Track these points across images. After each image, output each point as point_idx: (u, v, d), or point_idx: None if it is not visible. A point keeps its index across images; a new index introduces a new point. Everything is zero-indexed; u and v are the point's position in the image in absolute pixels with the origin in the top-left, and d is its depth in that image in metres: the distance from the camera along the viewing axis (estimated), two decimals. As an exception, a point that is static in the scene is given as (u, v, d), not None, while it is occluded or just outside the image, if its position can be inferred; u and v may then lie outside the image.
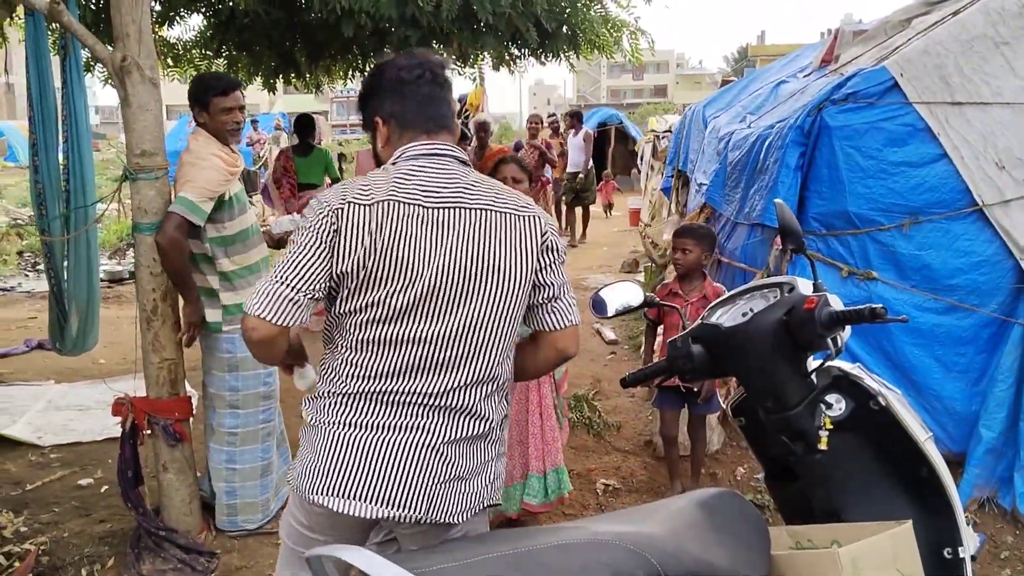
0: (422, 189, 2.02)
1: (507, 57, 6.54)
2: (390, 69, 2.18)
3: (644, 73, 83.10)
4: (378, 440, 1.99)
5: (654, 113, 31.69)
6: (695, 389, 4.12)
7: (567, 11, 5.69)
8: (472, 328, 2.02)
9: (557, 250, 2.14)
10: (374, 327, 1.99)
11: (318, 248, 1.95)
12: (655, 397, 4.47)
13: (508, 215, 2.06)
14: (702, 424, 4.36)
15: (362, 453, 1.99)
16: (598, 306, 2.65)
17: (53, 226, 4.49)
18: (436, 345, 2.00)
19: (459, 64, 7.06)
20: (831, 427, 2.26)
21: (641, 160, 15.17)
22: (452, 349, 2.02)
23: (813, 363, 2.34)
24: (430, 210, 2.00)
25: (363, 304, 1.98)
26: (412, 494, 1.98)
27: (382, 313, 1.98)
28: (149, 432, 3.71)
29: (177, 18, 6.19)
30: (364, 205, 1.96)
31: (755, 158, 4.96)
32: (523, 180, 3.79)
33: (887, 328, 4.19)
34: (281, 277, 1.94)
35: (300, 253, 1.96)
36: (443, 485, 2.00)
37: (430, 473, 1.99)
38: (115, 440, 3.83)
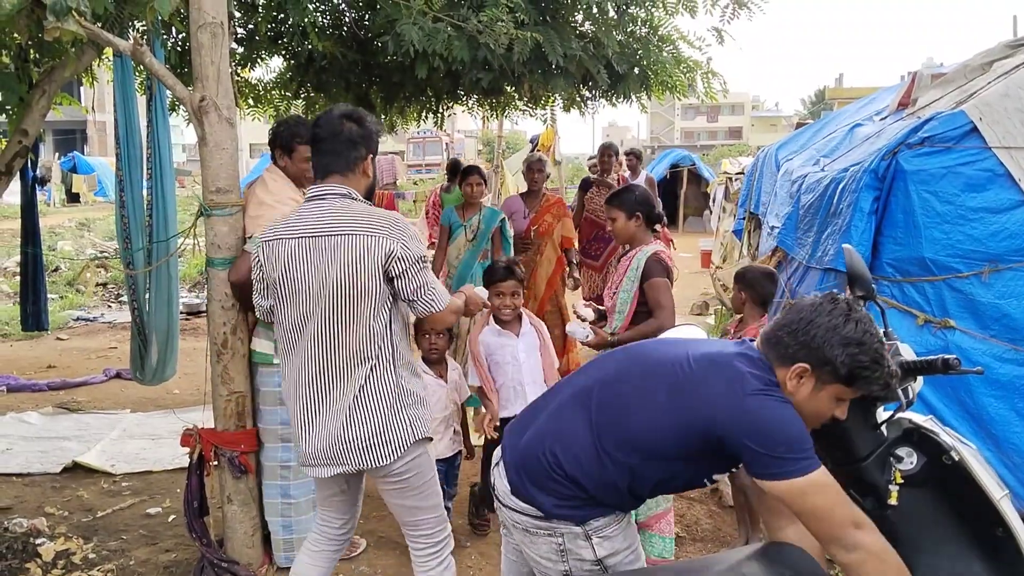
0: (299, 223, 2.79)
1: (578, 99, 6.58)
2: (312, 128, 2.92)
3: (719, 115, 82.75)
4: None
5: (728, 155, 31.52)
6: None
7: (639, 52, 5.70)
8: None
9: (405, 259, 2.71)
10: None
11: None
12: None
13: (358, 236, 2.70)
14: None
15: None
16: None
17: (136, 258, 4.66)
18: None
19: (530, 106, 7.14)
20: (902, 481, 2.20)
21: (713, 202, 15.05)
22: None
23: (883, 414, 2.27)
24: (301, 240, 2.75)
25: None
26: None
27: None
28: (216, 463, 3.77)
29: (259, 60, 6.38)
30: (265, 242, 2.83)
31: (828, 202, 4.87)
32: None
33: (965, 380, 4.04)
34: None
35: None
36: None
37: None
38: (184, 470, 3.90)
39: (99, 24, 3.60)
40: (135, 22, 4.40)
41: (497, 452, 2.42)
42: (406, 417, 2.83)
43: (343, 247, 2.70)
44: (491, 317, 4.21)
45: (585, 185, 7.94)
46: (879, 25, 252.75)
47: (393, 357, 2.82)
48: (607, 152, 8.05)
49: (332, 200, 2.79)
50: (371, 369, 2.77)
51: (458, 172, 9.64)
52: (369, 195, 2.96)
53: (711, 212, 15.98)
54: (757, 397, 2.04)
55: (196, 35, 3.49)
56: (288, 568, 3.95)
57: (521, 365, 4.16)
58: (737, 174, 11.88)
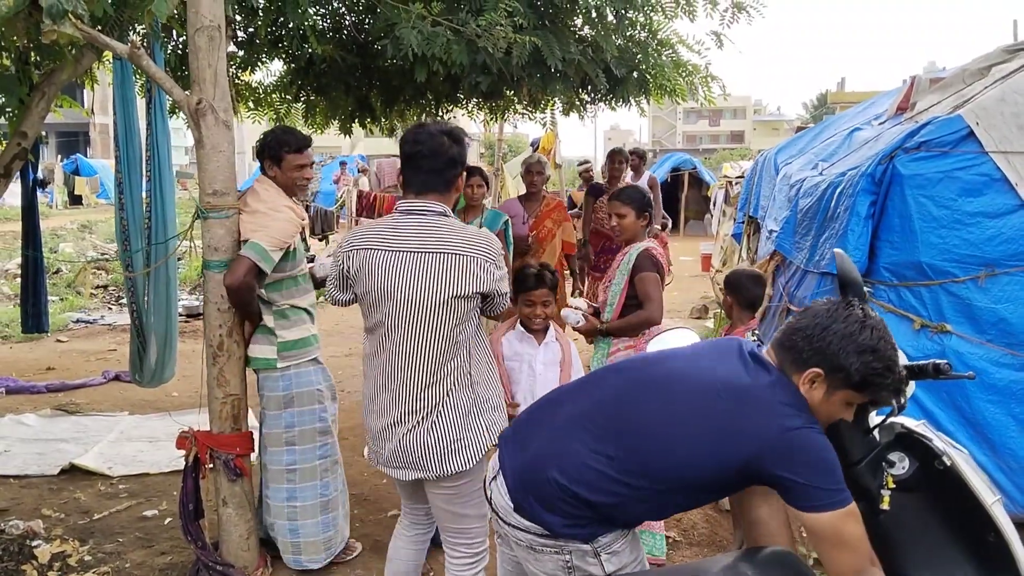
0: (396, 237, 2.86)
1: (577, 102, 6.58)
2: (402, 143, 2.97)
3: (721, 119, 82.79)
4: None
5: (730, 159, 31.51)
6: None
7: (638, 57, 5.71)
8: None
9: (498, 279, 2.85)
10: None
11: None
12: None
13: (456, 256, 2.79)
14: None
15: None
16: (650, 355, 2.62)
17: (135, 260, 4.66)
18: None
19: (529, 109, 7.13)
20: (894, 486, 2.20)
21: (714, 205, 15.05)
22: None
23: (876, 419, 2.27)
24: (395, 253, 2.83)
25: None
26: None
27: None
28: (211, 466, 3.78)
29: (259, 63, 6.39)
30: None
31: (826, 206, 4.87)
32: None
33: (961, 384, 4.04)
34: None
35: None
36: None
37: None
38: (181, 473, 3.90)
39: (99, 27, 3.62)
40: (136, 25, 4.41)
41: (493, 463, 2.39)
42: (483, 423, 2.90)
43: (443, 266, 2.79)
44: (518, 321, 4.01)
45: (595, 191, 7.42)
46: (881, 29, 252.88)
47: (471, 366, 2.91)
48: (617, 158, 7.38)
49: (430, 217, 2.87)
50: (455, 380, 2.86)
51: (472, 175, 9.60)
52: (453, 207, 3.05)
53: (712, 216, 15.97)
54: (801, 433, 2.04)
55: (193, 38, 3.50)
56: (296, 571, 3.98)
57: (537, 377, 3.90)
58: (737, 178, 11.88)
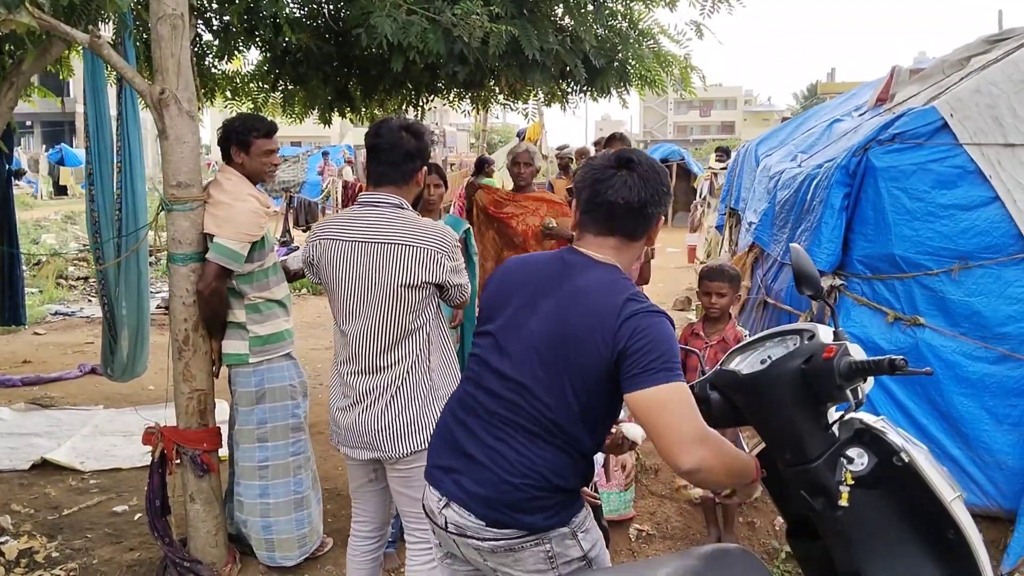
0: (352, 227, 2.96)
1: (559, 93, 6.52)
2: (365, 137, 3.07)
3: (711, 110, 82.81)
4: None
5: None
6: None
7: (618, 47, 5.66)
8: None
9: (450, 270, 2.93)
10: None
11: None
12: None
13: (408, 247, 2.87)
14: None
15: None
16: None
17: (107, 252, 4.60)
18: None
19: (511, 99, 7.08)
20: (852, 483, 2.16)
21: (699, 196, 15.01)
22: None
23: (834, 415, 2.24)
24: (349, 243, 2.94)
25: None
26: None
27: None
28: (178, 462, 3.74)
29: (235, 53, 6.32)
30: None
31: (803, 198, 4.85)
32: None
33: (935, 378, 4.03)
34: None
35: None
36: None
37: None
38: (149, 468, 3.86)
39: (68, 18, 3.56)
40: (107, 15, 4.34)
41: (435, 496, 2.27)
42: (437, 409, 2.91)
43: (394, 256, 2.88)
44: None
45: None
46: (872, 19, 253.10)
47: (429, 353, 3.01)
48: (561, 158, 6.78)
49: (385, 209, 2.96)
50: (411, 364, 2.97)
51: (483, 169, 9.50)
52: (416, 202, 3.18)
53: (697, 207, 15.94)
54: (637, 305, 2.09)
55: (156, 27, 3.45)
56: (271, 567, 3.94)
57: None
58: (722, 168, 11.86)
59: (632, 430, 2.50)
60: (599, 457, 2.65)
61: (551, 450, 2.14)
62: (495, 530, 2.15)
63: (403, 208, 2.99)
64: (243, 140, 3.80)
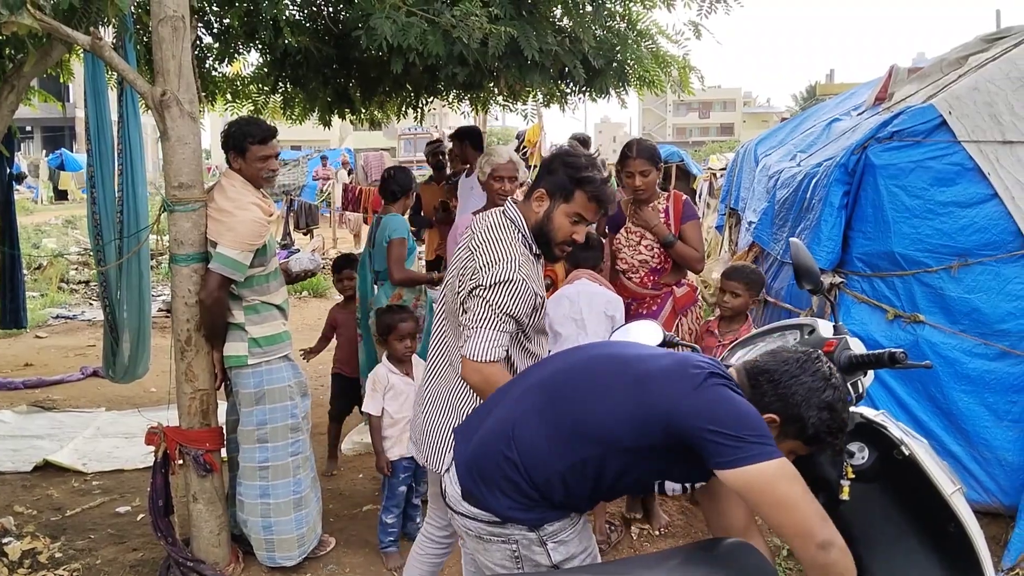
0: None
1: (558, 93, 6.54)
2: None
3: (711, 111, 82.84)
4: None
5: (718, 151, 31.52)
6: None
7: (617, 48, 5.67)
8: None
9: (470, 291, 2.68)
10: None
11: None
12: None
13: None
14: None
15: None
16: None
17: (108, 254, 4.61)
18: None
19: (510, 101, 7.09)
20: (853, 477, 2.18)
21: (699, 198, 15.04)
22: None
23: (835, 409, 2.25)
24: None
25: None
26: None
27: None
28: (181, 462, 3.75)
29: (236, 55, 6.33)
30: None
31: (802, 197, 4.86)
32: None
33: (935, 374, 4.04)
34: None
35: None
36: None
37: None
38: (152, 469, 3.86)
39: (70, 20, 3.57)
40: (109, 18, 4.36)
41: (448, 458, 2.38)
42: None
43: None
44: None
45: (615, 224, 4.59)
46: (871, 21, 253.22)
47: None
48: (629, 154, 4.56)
49: None
50: (456, 375, 2.89)
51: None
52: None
53: (697, 208, 15.95)
54: (716, 385, 2.01)
55: (157, 29, 3.46)
56: (272, 568, 3.95)
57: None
58: (721, 169, 11.88)
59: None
60: None
61: (556, 463, 2.14)
62: (467, 506, 2.21)
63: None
64: (239, 146, 3.79)
